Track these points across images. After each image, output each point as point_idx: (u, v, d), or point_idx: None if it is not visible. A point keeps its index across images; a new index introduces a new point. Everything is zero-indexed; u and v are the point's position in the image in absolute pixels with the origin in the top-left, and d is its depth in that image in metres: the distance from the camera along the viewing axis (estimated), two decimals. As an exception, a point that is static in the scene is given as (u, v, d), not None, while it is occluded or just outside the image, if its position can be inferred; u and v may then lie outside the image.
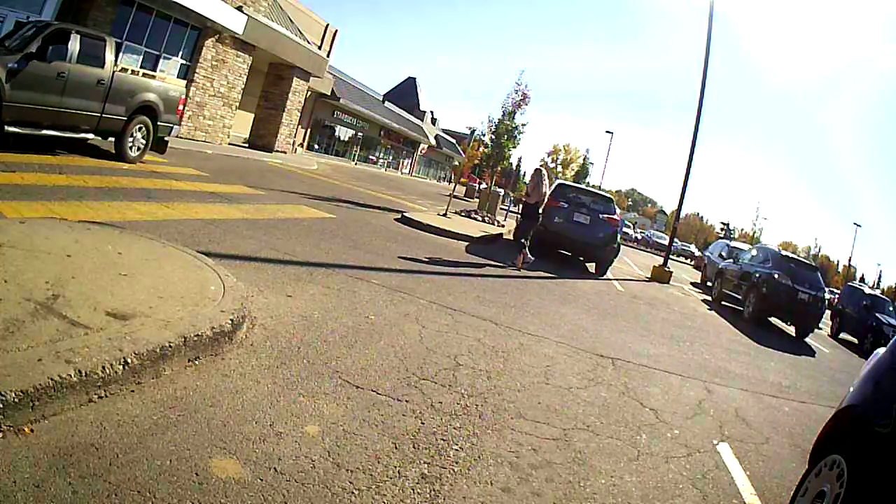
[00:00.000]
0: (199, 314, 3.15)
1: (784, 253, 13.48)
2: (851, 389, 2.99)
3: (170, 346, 2.73)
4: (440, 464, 2.61)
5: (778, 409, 5.49)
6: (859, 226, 55.71)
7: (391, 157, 45.04)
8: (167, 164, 10.09)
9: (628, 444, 3.47)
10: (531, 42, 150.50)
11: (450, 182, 49.67)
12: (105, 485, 1.89)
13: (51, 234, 3.84)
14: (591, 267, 12.34)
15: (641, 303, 9.97)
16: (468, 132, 30.11)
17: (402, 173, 44.76)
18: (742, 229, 58.49)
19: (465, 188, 34.11)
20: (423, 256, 8.13)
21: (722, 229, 38.88)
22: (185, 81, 13.02)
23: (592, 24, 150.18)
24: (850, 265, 50.17)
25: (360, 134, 38.00)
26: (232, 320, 3.22)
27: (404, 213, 12.10)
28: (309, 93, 25.34)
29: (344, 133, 36.52)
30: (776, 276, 11.71)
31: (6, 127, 6.84)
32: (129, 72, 8.75)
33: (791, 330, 12.41)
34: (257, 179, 11.75)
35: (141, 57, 14.23)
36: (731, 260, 15.23)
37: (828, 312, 16.44)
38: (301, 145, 28.77)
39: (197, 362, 2.92)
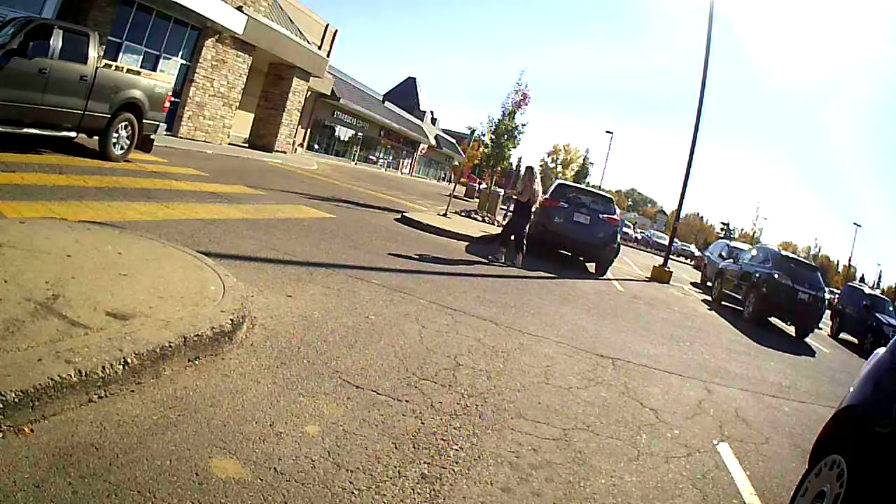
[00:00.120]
0: (199, 314, 3.15)
1: (784, 253, 13.48)
2: (851, 389, 2.99)
3: (170, 346, 2.73)
4: (440, 464, 2.61)
5: (778, 409, 5.50)
6: (859, 226, 55.87)
7: (391, 157, 45.05)
8: (167, 164, 10.09)
9: (628, 444, 3.47)
10: (531, 42, 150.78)
11: (450, 182, 49.70)
12: (105, 485, 1.89)
13: (51, 234, 3.84)
14: (591, 267, 12.34)
15: (641, 303, 9.97)
16: (468, 132, 30.12)
17: (402, 173, 44.76)
18: (742, 229, 58.57)
19: (465, 188, 34.13)
20: (423, 256, 8.13)
21: (722, 229, 38.90)
22: (172, 77, 12.82)
23: (592, 23, 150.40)
24: (850, 265, 50.22)
25: (360, 134, 38.01)
26: (232, 320, 3.22)
27: (404, 213, 12.10)
28: (309, 93, 25.34)
29: (344, 133, 36.54)
30: (776, 276, 11.71)
31: None
32: (113, 68, 8.47)
33: (791, 330, 12.41)
34: (257, 179, 11.76)
35: (141, 57, 14.23)
36: (731, 260, 15.24)
37: (828, 312, 16.44)
38: (301, 145, 28.77)
39: (197, 362, 2.92)
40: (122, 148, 8.85)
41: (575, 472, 2.92)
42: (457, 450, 2.78)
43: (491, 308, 5.98)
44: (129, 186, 7.14)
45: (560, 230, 11.27)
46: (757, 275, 12.12)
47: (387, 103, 41.17)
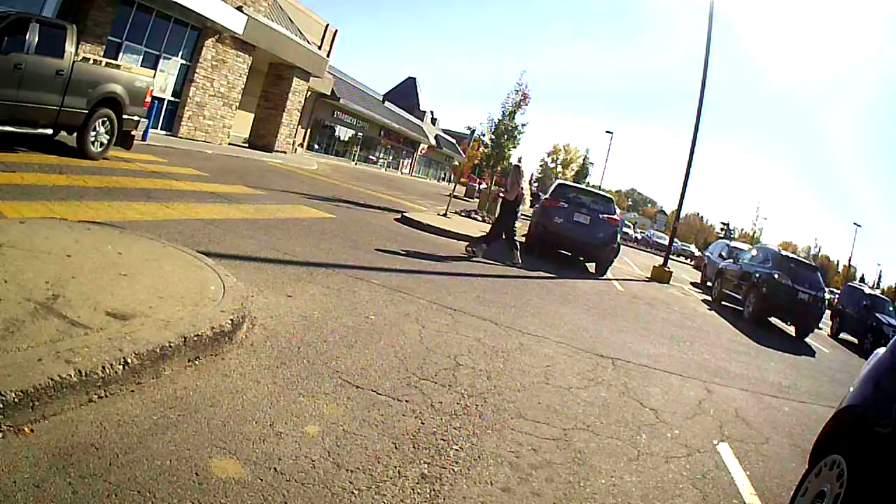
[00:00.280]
0: (199, 314, 3.15)
1: (784, 253, 13.48)
2: (851, 389, 2.99)
3: (170, 346, 2.73)
4: (440, 464, 2.61)
5: (778, 409, 5.49)
6: (859, 226, 55.85)
7: (391, 157, 45.05)
8: (167, 164, 10.09)
9: (628, 444, 3.47)
10: (531, 42, 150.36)
11: (450, 182, 49.68)
12: (105, 485, 1.89)
13: (51, 234, 3.84)
14: (591, 267, 12.34)
15: (641, 303, 9.97)
16: (468, 132, 30.13)
17: (401, 173, 44.78)
18: (742, 229, 58.42)
19: (465, 188, 34.13)
20: (423, 256, 8.13)
21: (722, 229, 38.85)
22: (153, 72, 12.43)
23: (592, 23, 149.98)
24: (850, 265, 50.23)
25: (360, 134, 38.01)
26: (232, 320, 3.22)
27: (404, 213, 12.10)
28: (309, 93, 25.35)
29: (344, 133, 36.54)
30: (776, 276, 11.71)
31: None
32: (91, 61, 8.15)
33: (791, 330, 12.41)
34: (257, 179, 11.76)
35: (141, 57, 14.24)
36: (731, 260, 15.23)
37: (828, 312, 16.44)
38: (301, 145, 28.78)
39: (197, 362, 2.92)
40: (101, 145, 8.50)
41: (575, 472, 2.92)
42: (457, 450, 2.78)
43: (491, 308, 5.98)
44: (129, 186, 7.14)
45: (560, 230, 11.27)
46: (757, 275, 12.13)
47: (387, 103, 41.16)
